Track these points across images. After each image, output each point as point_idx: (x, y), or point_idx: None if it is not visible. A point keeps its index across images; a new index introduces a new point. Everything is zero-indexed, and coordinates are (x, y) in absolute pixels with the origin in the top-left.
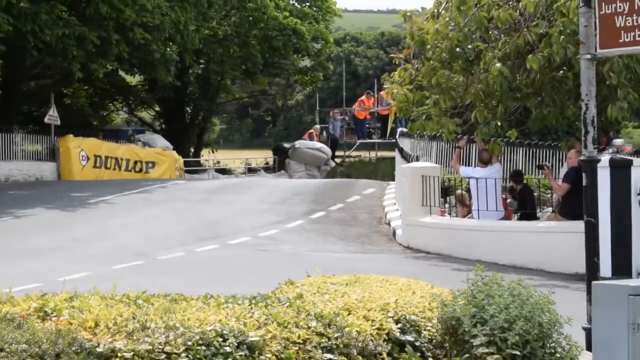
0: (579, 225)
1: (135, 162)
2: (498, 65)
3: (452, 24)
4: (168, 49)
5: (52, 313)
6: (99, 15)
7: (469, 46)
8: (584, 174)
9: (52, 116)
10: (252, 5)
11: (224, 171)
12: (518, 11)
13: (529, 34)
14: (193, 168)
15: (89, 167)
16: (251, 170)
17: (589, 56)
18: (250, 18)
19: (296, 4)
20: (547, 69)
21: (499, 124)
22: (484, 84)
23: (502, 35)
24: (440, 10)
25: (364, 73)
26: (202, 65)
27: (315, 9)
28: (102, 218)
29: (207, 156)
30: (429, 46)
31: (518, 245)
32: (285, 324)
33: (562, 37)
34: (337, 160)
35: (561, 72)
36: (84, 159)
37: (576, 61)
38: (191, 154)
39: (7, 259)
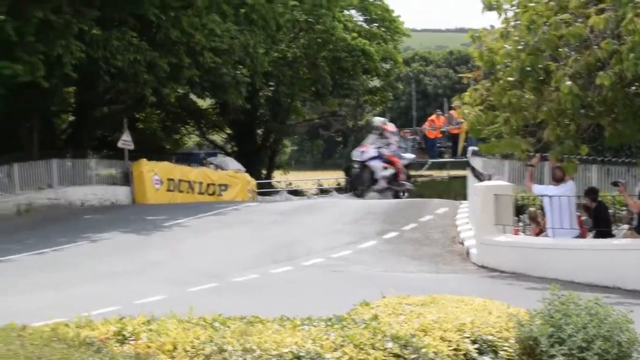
0: None
1: (208, 185)
2: (568, 83)
3: (522, 43)
4: (238, 72)
5: (130, 337)
6: (170, 40)
7: (540, 65)
8: None
9: (126, 141)
10: (321, 27)
11: (296, 192)
12: (588, 28)
13: (599, 51)
14: (265, 190)
15: (163, 190)
16: (323, 191)
17: None
18: (319, 40)
19: (364, 25)
20: (619, 85)
21: (573, 143)
22: (555, 103)
23: (573, 53)
24: (509, 29)
25: (433, 92)
26: (272, 88)
27: (383, 29)
28: (177, 241)
29: (279, 178)
30: (498, 66)
31: (594, 264)
32: (362, 346)
33: (632, 54)
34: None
35: (633, 88)
36: (157, 183)
37: None
38: (263, 176)
39: (84, 283)
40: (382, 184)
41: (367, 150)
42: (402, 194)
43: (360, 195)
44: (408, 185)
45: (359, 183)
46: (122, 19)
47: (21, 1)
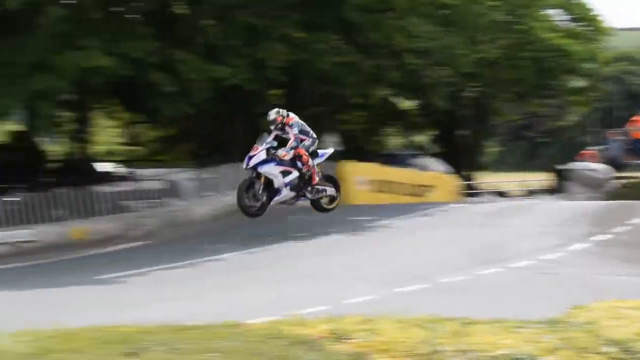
0: None
1: (413, 186)
2: None
3: None
4: (439, 73)
5: (344, 335)
6: (371, 42)
7: None
8: None
9: (330, 142)
10: (521, 27)
11: (500, 194)
12: None
13: None
14: (469, 191)
15: (368, 191)
16: (528, 193)
17: None
18: (519, 40)
19: (565, 24)
20: None
21: None
22: None
23: None
24: None
25: (639, 92)
26: (473, 89)
27: (590, 28)
28: (382, 241)
29: (483, 179)
30: None
31: None
32: (580, 349)
33: None
34: (617, 181)
35: None
36: (362, 184)
37: None
38: (467, 177)
39: (292, 282)
40: (286, 193)
41: (256, 152)
42: (326, 201)
43: (254, 213)
44: (329, 190)
45: (244, 199)
46: (325, 23)
47: (227, 6)
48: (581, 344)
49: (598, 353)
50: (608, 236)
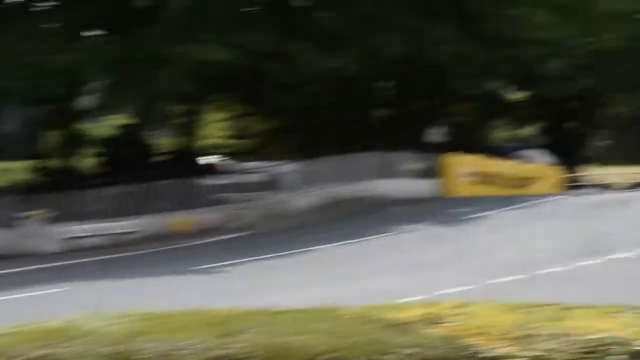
0: None
1: (516, 178)
2: None
3: None
4: (552, 65)
5: (438, 320)
6: (490, 33)
7: None
8: None
9: (437, 134)
10: None
11: (606, 187)
12: None
13: None
14: (575, 184)
15: (471, 183)
16: (634, 186)
17: None
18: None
19: None
20: None
21: None
22: None
23: None
24: None
25: None
26: (584, 80)
27: None
28: (482, 233)
29: (590, 172)
30: None
31: None
32: None
33: None
34: None
35: None
36: (466, 176)
37: None
38: (573, 169)
39: (389, 274)
40: None
41: None
42: None
43: None
44: None
45: None
46: (444, 12)
47: None
48: None
49: None
50: None
